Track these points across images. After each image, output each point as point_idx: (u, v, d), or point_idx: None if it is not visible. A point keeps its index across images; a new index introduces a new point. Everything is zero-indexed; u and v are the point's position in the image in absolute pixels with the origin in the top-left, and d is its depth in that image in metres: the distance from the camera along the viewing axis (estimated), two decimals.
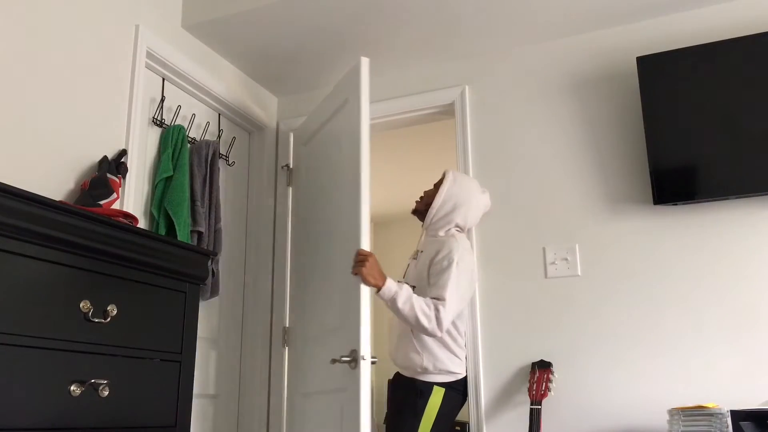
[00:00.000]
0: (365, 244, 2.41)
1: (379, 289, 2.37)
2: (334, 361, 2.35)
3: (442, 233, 2.68)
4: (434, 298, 2.44)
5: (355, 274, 2.36)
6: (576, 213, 2.77)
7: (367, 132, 2.55)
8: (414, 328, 2.47)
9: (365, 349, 2.30)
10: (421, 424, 2.47)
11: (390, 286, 2.37)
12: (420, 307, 2.38)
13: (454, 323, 2.58)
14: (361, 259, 2.36)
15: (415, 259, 2.74)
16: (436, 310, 2.41)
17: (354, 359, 2.30)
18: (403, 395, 2.58)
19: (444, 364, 2.55)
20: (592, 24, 2.86)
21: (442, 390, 2.52)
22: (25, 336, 1.47)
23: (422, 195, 2.82)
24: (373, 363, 2.34)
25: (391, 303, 2.39)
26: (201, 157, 2.76)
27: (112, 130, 2.41)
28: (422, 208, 2.77)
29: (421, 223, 2.78)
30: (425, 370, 2.53)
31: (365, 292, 2.36)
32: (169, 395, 1.84)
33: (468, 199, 2.71)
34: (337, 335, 2.49)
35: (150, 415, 1.76)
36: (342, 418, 2.38)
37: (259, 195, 3.29)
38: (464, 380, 2.64)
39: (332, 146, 2.85)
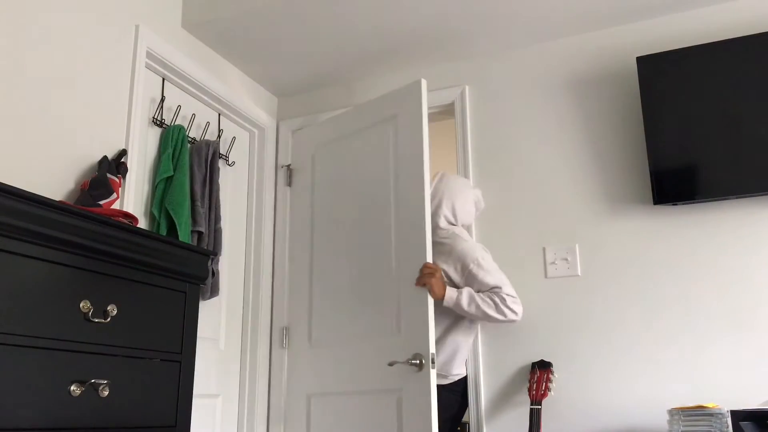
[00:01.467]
0: (429, 258, 2.55)
1: (441, 298, 2.53)
2: (392, 363, 2.46)
3: (440, 235, 2.69)
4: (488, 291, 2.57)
5: (423, 285, 2.51)
6: (576, 213, 2.77)
7: (427, 151, 2.70)
8: (493, 322, 2.61)
9: (432, 353, 2.44)
10: None
11: (450, 294, 2.54)
12: (483, 301, 2.52)
13: (471, 323, 2.64)
14: (430, 272, 2.50)
15: None
16: (499, 298, 2.52)
17: (420, 362, 2.44)
18: None
19: (445, 366, 2.58)
20: (592, 24, 2.87)
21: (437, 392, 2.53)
22: (25, 336, 1.47)
23: None
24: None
25: (457, 308, 2.54)
26: (201, 157, 2.76)
27: (112, 130, 2.41)
28: None
29: None
30: None
31: (431, 300, 2.53)
32: (169, 395, 1.84)
33: (454, 192, 2.72)
34: (393, 339, 2.59)
35: (150, 415, 1.77)
36: (401, 418, 2.49)
37: (259, 195, 3.29)
38: (463, 381, 2.64)
39: (370, 157, 2.90)
